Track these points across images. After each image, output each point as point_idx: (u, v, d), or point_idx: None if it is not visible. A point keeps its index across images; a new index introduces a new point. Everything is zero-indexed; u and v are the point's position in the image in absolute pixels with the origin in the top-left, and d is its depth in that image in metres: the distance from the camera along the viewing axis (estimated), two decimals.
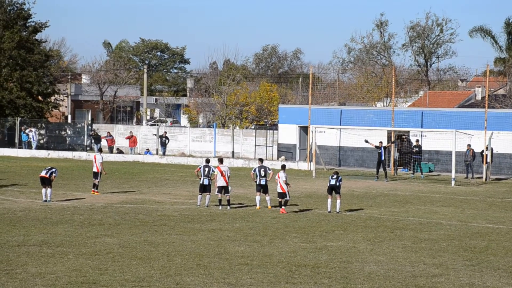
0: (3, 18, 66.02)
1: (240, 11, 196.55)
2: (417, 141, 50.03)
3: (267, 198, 31.98)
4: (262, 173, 31.84)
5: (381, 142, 45.97)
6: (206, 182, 31.60)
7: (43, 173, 32.40)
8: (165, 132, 60.97)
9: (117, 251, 21.83)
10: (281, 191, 30.91)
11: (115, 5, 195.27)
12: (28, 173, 44.99)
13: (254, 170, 32.07)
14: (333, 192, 30.82)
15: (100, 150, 38.42)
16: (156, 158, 57.13)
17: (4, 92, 64.87)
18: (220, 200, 31.57)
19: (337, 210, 30.85)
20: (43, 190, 32.45)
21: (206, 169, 31.70)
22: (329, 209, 30.96)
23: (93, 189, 35.68)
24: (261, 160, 33.86)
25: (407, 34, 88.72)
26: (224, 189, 31.58)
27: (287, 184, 30.90)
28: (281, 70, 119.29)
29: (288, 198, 31.15)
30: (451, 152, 45.21)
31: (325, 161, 52.66)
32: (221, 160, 33.09)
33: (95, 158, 35.84)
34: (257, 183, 31.91)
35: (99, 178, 35.70)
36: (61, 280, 18.21)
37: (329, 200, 31.00)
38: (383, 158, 45.38)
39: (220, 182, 31.48)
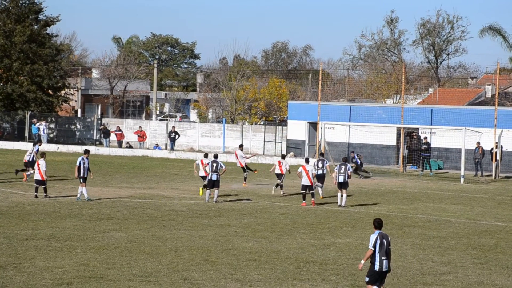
0: (15, 12, 66.19)
1: (251, 7, 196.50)
2: (425, 138, 49.91)
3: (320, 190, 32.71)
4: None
5: (358, 154, 46.21)
6: (214, 177, 31.65)
7: (85, 174, 30.92)
8: (173, 127, 61.09)
9: (125, 245, 21.86)
10: (310, 184, 31.47)
11: (126, 0, 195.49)
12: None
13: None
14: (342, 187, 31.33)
15: (205, 155, 36.18)
16: (165, 153, 57.19)
17: (15, 86, 65.05)
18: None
19: (343, 204, 31.12)
20: (84, 188, 31.14)
21: (214, 164, 31.76)
22: (339, 203, 31.32)
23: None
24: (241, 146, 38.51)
25: (418, 31, 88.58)
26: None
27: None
28: (291, 66, 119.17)
29: (313, 191, 31.90)
30: (460, 149, 45.09)
31: (334, 158, 52.59)
32: (241, 146, 40.07)
33: (201, 162, 34.67)
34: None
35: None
36: (68, 274, 18.24)
37: (339, 194, 31.37)
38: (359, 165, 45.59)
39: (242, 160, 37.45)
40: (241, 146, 41.50)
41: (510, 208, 33.10)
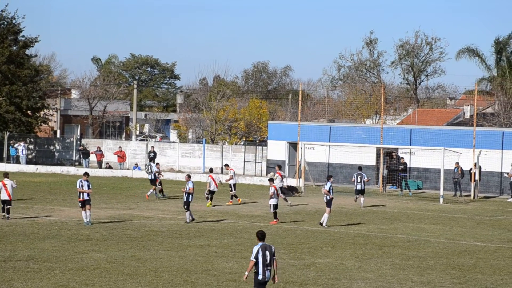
0: None
1: (231, 28, 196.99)
2: (402, 158, 50.15)
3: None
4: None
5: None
6: (189, 197, 31.59)
7: (85, 197, 30.16)
8: (152, 147, 61.18)
9: (104, 266, 21.74)
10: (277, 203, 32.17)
11: (105, 21, 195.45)
12: (16, 188, 44.63)
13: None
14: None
15: (210, 170, 40.45)
16: (144, 174, 56.92)
17: None
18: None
19: (321, 221, 31.71)
20: (83, 212, 30.27)
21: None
22: (321, 221, 31.67)
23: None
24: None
25: (397, 52, 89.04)
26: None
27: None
28: (271, 87, 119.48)
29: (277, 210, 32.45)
30: (439, 169, 45.29)
31: (314, 178, 52.67)
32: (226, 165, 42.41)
33: (211, 178, 38.25)
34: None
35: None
36: None
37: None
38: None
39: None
40: (226, 165, 43.83)
41: (488, 228, 33.25)
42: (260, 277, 16.48)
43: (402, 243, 27.75)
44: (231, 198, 39.70)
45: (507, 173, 47.58)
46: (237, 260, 23.39)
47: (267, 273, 16.55)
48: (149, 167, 42.23)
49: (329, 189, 31.84)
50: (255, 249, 16.59)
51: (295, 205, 39.09)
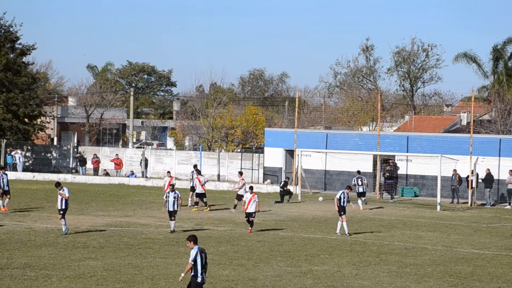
0: None
1: (227, 35, 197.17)
2: (389, 165, 50.14)
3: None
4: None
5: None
6: (171, 208, 31.50)
7: (59, 206, 29.59)
8: (143, 154, 61.39)
9: (101, 274, 21.71)
10: (253, 211, 31.82)
11: (102, 28, 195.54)
12: (12, 196, 44.57)
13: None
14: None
15: (198, 172, 41.11)
16: (141, 181, 56.98)
17: None
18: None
19: (346, 232, 31.57)
20: (63, 220, 29.68)
21: (173, 194, 31.59)
22: (338, 231, 31.75)
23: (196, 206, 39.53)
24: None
25: (393, 58, 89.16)
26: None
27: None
28: (267, 94, 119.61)
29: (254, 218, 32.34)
30: (436, 176, 45.29)
31: (311, 185, 52.66)
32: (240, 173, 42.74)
33: (198, 180, 39.63)
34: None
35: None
36: None
37: (340, 223, 31.72)
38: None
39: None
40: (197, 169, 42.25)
41: (486, 235, 33.25)
42: (199, 279, 16.87)
43: (399, 251, 27.74)
44: (205, 205, 39.87)
45: (481, 179, 47.69)
46: (234, 267, 23.37)
47: (204, 275, 16.96)
48: (192, 174, 42.09)
49: (340, 197, 31.64)
50: (194, 252, 16.98)
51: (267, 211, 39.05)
